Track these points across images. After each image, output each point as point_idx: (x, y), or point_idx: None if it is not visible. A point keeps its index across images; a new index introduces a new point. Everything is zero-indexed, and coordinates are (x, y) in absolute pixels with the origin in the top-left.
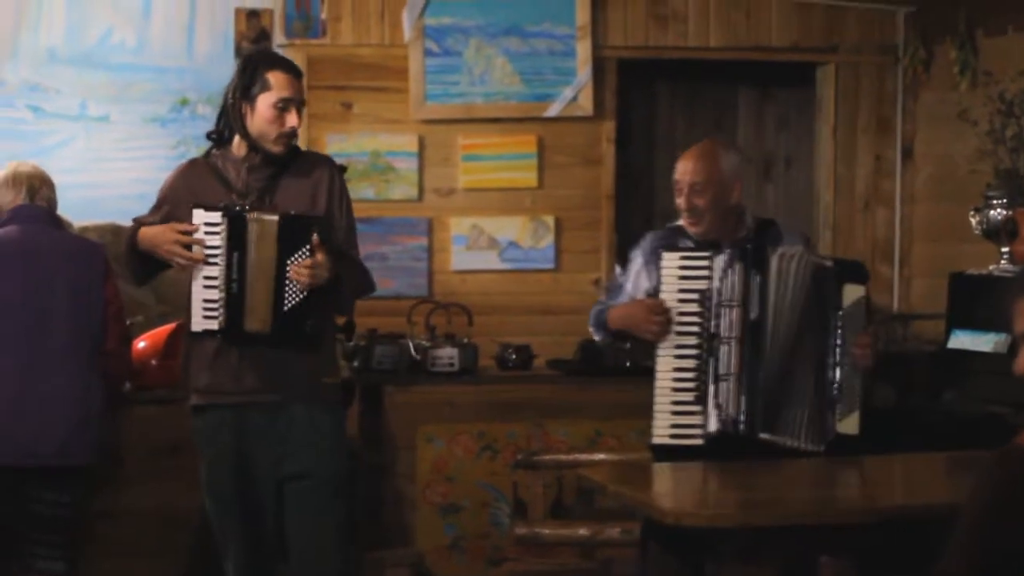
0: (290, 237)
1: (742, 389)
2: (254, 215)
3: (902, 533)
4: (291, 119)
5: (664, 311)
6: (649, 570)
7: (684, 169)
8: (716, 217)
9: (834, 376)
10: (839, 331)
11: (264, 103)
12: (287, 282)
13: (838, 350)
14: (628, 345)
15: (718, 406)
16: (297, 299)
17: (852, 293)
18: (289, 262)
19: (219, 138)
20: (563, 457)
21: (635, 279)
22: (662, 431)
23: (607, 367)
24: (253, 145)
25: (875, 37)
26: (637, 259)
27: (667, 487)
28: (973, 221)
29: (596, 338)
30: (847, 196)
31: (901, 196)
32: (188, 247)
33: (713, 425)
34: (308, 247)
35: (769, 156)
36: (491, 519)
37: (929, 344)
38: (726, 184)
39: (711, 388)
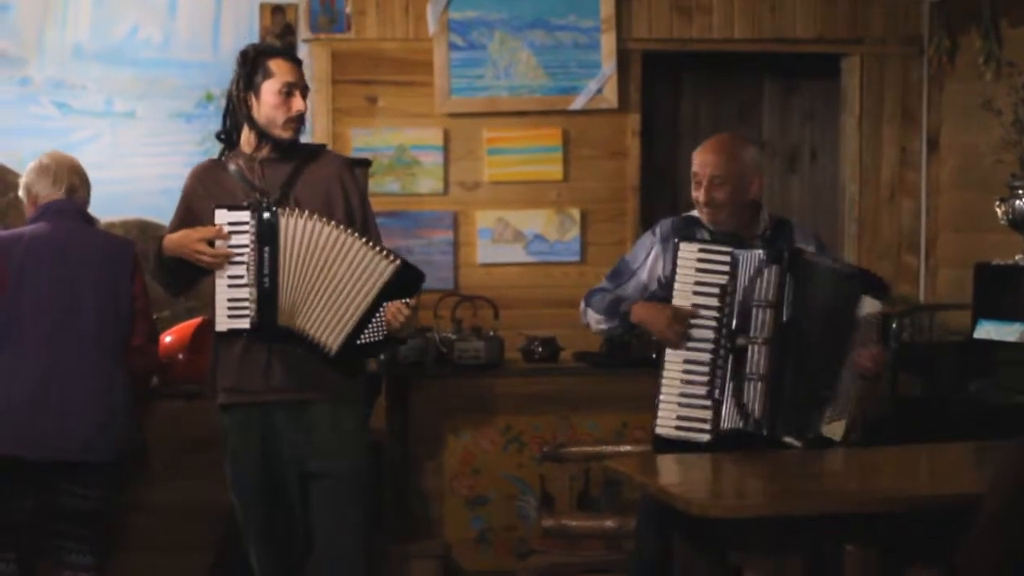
0: (399, 284)
1: (770, 391)
2: (293, 213)
3: (928, 522)
4: (297, 103)
5: (690, 324)
6: (675, 562)
7: (704, 161)
8: (734, 211)
9: (833, 378)
10: (849, 337)
11: (269, 90)
12: (375, 318)
13: (844, 356)
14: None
15: (741, 405)
16: (376, 337)
17: (869, 306)
18: (386, 304)
19: (228, 138)
20: (589, 449)
21: (651, 266)
22: (667, 422)
23: (633, 359)
24: (262, 134)
25: (900, 28)
26: (653, 245)
27: (693, 478)
28: (999, 211)
29: (603, 326)
30: (872, 187)
31: (926, 187)
32: (212, 245)
33: (731, 423)
34: (411, 300)
35: (794, 148)
36: (518, 511)
37: (955, 334)
38: (746, 178)
39: (730, 385)
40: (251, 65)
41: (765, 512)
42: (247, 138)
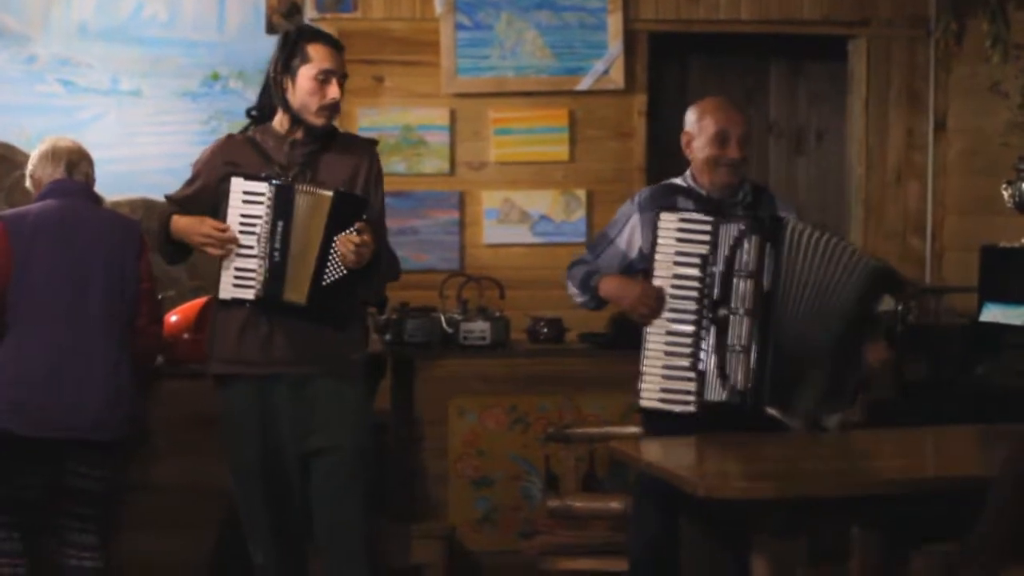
0: (340, 213)
1: (752, 362)
2: (304, 187)
3: (934, 505)
4: (332, 91)
5: (661, 298)
6: (682, 543)
7: (733, 120)
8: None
9: (850, 375)
10: (866, 331)
11: (305, 75)
12: (331, 257)
13: (860, 352)
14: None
15: (724, 376)
16: (338, 275)
17: (888, 303)
18: (336, 238)
19: (260, 115)
20: (595, 430)
21: (629, 236)
22: (651, 395)
23: (639, 340)
24: (295, 118)
25: (907, 10)
26: (632, 215)
27: (699, 460)
28: (1005, 194)
29: (578, 299)
30: (879, 170)
31: (933, 169)
32: (223, 238)
33: (716, 394)
34: (356, 226)
35: (801, 130)
36: (523, 492)
37: (961, 317)
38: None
39: (713, 357)
40: (291, 48)
41: (772, 494)
42: (280, 120)
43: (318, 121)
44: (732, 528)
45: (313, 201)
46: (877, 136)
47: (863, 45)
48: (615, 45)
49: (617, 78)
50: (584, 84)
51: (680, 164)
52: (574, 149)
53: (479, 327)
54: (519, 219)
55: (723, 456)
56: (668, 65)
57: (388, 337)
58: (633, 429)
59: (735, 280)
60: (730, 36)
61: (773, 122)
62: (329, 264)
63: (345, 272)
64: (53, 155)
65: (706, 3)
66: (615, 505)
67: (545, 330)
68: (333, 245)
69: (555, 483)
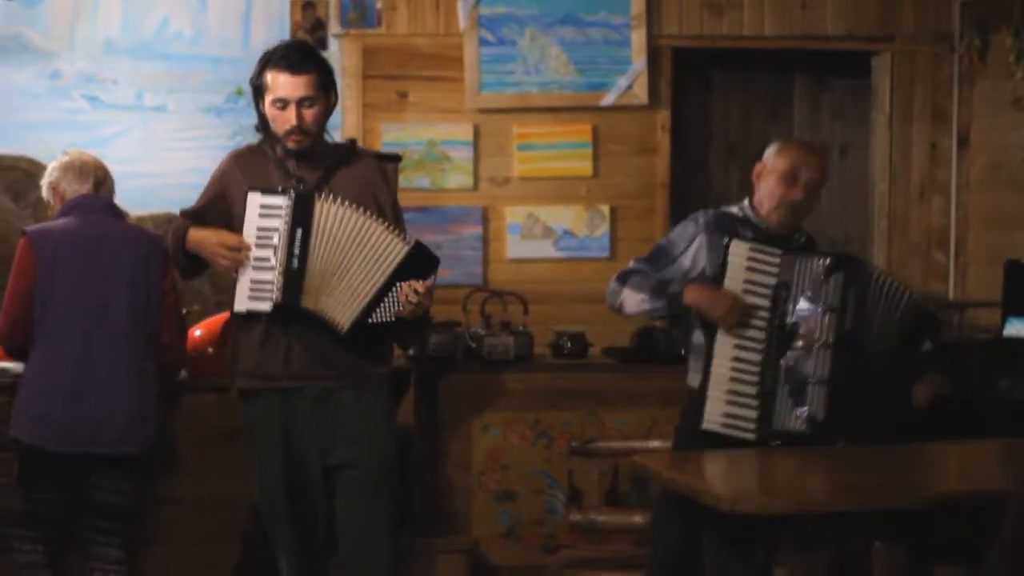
0: (412, 263)
1: (831, 395)
2: (324, 196)
3: (955, 520)
4: (287, 118)
5: (748, 311)
6: (704, 557)
7: (808, 163)
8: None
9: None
10: (913, 370)
11: (267, 102)
12: (386, 298)
13: (903, 385)
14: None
15: (800, 408)
16: (386, 318)
17: (927, 345)
18: (399, 284)
19: (266, 129)
20: (618, 444)
21: (694, 255)
22: (715, 417)
23: (662, 355)
24: (276, 139)
25: (930, 26)
26: (699, 235)
27: (722, 474)
28: None
29: (646, 306)
30: (903, 185)
31: (957, 184)
32: (236, 251)
33: (792, 424)
34: (424, 282)
35: (824, 145)
36: (546, 507)
37: (984, 332)
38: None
39: (786, 387)
40: (258, 73)
41: (794, 509)
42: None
43: (289, 144)
44: (754, 542)
45: (337, 211)
46: (901, 151)
47: (887, 60)
48: (639, 61)
49: (641, 94)
50: (608, 100)
51: (703, 179)
52: (598, 164)
53: (503, 342)
54: (543, 234)
55: (745, 470)
56: (692, 81)
57: (411, 352)
58: (656, 443)
59: (820, 314)
60: (754, 52)
61: (797, 137)
62: (382, 305)
63: (393, 318)
64: (81, 170)
65: (730, 19)
66: (638, 519)
67: (568, 345)
68: (393, 289)
69: (578, 497)
